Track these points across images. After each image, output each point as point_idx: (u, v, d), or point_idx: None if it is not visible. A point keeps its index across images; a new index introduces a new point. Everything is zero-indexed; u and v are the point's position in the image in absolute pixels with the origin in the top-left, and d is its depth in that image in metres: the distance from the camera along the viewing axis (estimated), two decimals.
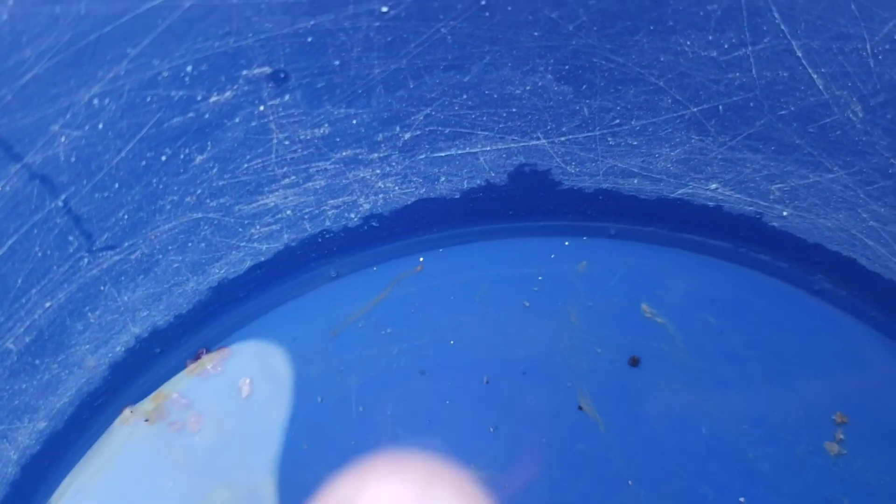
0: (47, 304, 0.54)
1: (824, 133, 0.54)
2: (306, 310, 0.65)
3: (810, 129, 0.54)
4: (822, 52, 0.51)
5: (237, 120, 0.54)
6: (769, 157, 0.57)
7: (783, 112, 0.54)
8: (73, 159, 0.50)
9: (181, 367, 0.64)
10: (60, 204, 0.51)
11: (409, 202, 0.63)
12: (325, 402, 0.62)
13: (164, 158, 0.53)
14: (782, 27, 0.50)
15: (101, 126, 0.49)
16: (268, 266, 0.63)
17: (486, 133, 0.59)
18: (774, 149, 0.57)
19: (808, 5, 0.49)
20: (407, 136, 0.58)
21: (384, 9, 0.51)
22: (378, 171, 0.60)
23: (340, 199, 0.61)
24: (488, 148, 0.60)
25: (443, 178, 0.62)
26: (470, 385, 0.62)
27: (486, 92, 0.56)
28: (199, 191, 0.56)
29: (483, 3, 0.51)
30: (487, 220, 0.66)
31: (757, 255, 0.64)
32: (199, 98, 0.51)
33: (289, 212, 0.60)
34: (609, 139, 0.59)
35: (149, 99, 0.50)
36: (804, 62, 0.52)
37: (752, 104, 0.54)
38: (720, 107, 0.55)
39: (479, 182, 0.62)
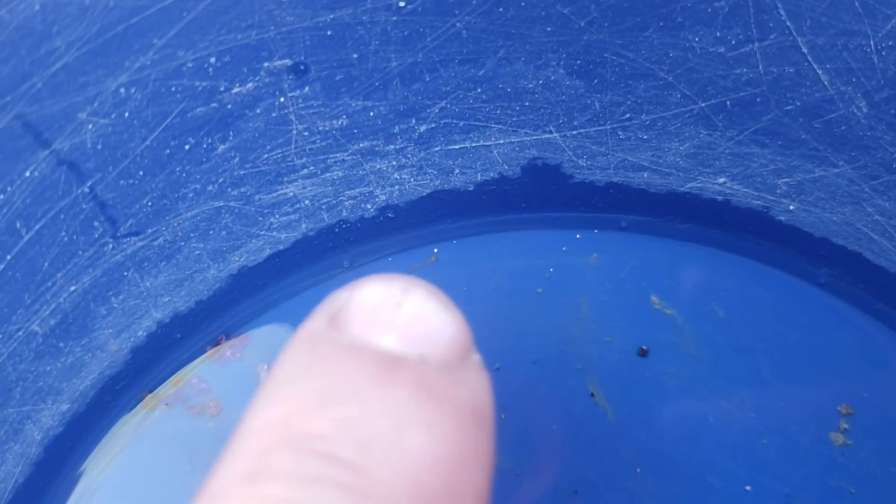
0: (72, 288, 0.55)
1: (830, 128, 0.55)
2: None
3: (816, 125, 0.55)
4: (827, 49, 0.52)
5: (258, 111, 0.55)
6: (776, 152, 0.58)
7: (789, 107, 0.55)
8: (99, 146, 0.51)
9: (201, 352, 0.64)
10: (87, 190, 0.52)
11: (424, 194, 0.64)
12: None
13: (187, 147, 0.54)
14: (788, 24, 0.51)
15: (127, 114, 0.50)
16: (286, 255, 0.64)
17: (500, 126, 0.60)
18: (781, 143, 0.57)
19: (812, 2, 0.50)
20: (422, 128, 0.59)
21: (401, 3, 0.52)
22: (394, 163, 0.61)
23: (357, 190, 0.62)
24: (501, 141, 0.61)
25: (457, 171, 0.62)
26: None
27: (500, 86, 0.57)
28: (220, 179, 0.57)
29: None
30: (500, 212, 0.66)
31: (764, 249, 0.64)
32: (221, 89, 0.52)
33: (307, 202, 0.61)
34: (620, 133, 0.59)
35: (173, 89, 0.51)
36: (809, 58, 0.52)
37: (758, 99, 0.55)
38: (728, 102, 0.56)
39: (492, 174, 0.63)
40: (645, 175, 0.63)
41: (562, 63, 0.55)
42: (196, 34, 0.49)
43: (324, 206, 0.63)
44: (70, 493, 0.61)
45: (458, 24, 0.53)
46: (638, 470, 0.58)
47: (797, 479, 0.58)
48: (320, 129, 0.57)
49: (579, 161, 0.62)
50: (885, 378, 0.61)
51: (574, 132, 0.60)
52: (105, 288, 0.57)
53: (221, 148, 0.55)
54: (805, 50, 0.52)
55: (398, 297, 0.36)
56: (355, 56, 0.53)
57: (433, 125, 0.59)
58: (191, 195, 0.57)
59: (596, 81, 0.57)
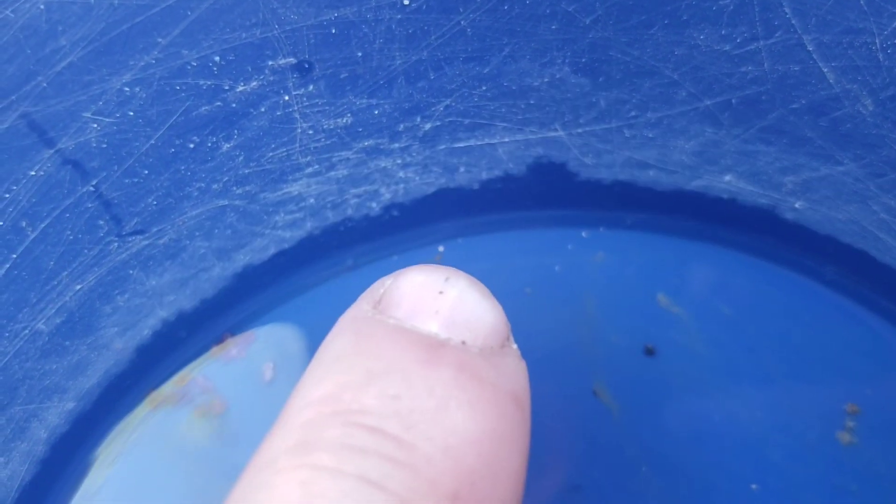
0: (77, 287, 0.55)
1: (835, 126, 0.54)
2: (329, 297, 0.65)
3: (822, 123, 0.54)
4: (833, 47, 0.51)
5: (263, 109, 0.54)
6: (782, 150, 0.57)
7: (795, 105, 0.54)
8: (104, 145, 0.51)
9: (206, 350, 0.64)
10: (91, 189, 0.52)
11: (429, 192, 0.63)
12: None
13: (191, 146, 0.54)
14: (793, 22, 0.51)
15: (131, 113, 0.50)
16: (291, 253, 0.63)
17: (505, 124, 0.59)
18: (787, 141, 0.57)
19: (818, 0, 0.50)
20: (427, 126, 0.59)
21: (406, 1, 0.52)
22: (399, 161, 0.60)
23: (362, 189, 0.61)
24: (507, 139, 0.61)
25: (462, 169, 0.62)
26: None
27: (505, 83, 0.57)
28: (225, 178, 0.57)
29: None
30: (506, 210, 0.65)
31: (770, 247, 0.64)
32: (226, 87, 0.52)
33: (312, 200, 0.61)
34: (625, 131, 0.59)
35: (178, 87, 0.51)
36: (815, 56, 0.52)
37: (764, 97, 0.55)
38: (733, 100, 0.55)
39: (497, 173, 0.62)
40: (651, 173, 0.62)
41: (567, 61, 0.55)
42: (200, 33, 0.49)
43: (329, 205, 0.62)
44: (75, 490, 0.61)
45: (462, 22, 0.53)
46: (643, 469, 0.58)
47: (803, 478, 0.58)
48: (325, 127, 0.57)
49: (585, 159, 0.62)
50: (893, 377, 0.60)
51: (580, 130, 0.60)
52: (110, 287, 0.56)
53: (226, 146, 0.55)
54: (811, 48, 0.51)
55: (441, 285, 0.36)
56: (360, 54, 0.53)
57: (438, 123, 0.59)
58: (195, 194, 0.56)
59: (601, 79, 0.56)
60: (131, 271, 0.57)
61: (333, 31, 0.51)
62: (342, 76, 0.54)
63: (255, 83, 0.53)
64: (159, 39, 0.48)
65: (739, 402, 0.60)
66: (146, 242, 0.57)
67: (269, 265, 0.64)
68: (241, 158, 0.56)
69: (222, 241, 0.60)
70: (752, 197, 0.62)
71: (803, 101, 0.54)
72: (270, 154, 0.57)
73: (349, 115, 0.56)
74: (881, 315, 0.62)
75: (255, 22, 0.50)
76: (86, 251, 0.54)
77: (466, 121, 0.59)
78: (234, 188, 0.57)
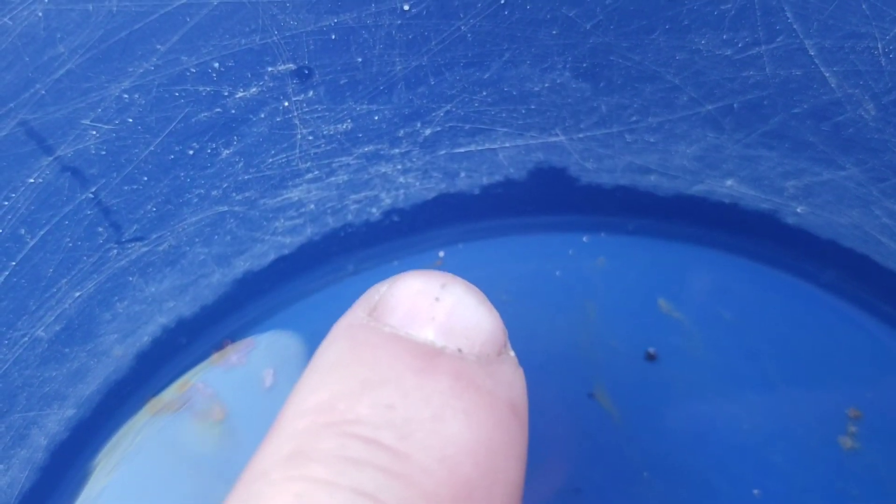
0: (77, 294, 0.54)
1: (837, 131, 0.54)
2: (329, 303, 0.64)
3: (823, 127, 0.54)
4: (835, 51, 0.51)
5: (262, 115, 0.54)
6: (784, 154, 0.57)
7: (797, 110, 0.54)
8: (103, 152, 0.50)
9: (206, 357, 0.63)
10: (91, 196, 0.51)
11: (429, 197, 0.63)
12: None
13: (191, 152, 0.54)
14: (795, 26, 0.51)
15: (130, 120, 0.50)
16: (291, 259, 0.63)
17: (506, 129, 0.59)
18: (789, 146, 0.57)
19: (819, 5, 0.50)
20: (427, 131, 0.58)
21: (406, 7, 0.52)
22: (399, 167, 0.60)
23: (362, 194, 0.61)
24: (507, 144, 0.60)
25: (463, 174, 0.62)
26: None
27: (506, 89, 0.56)
28: (224, 184, 0.56)
29: (502, 1, 0.51)
30: (506, 215, 0.65)
31: (772, 252, 0.64)
32: (225, 94, 0.52)
33: (312, 206, 0.60)
34: (627, 136, 0.59)
35: (177, 94, 0.51)
36: (817, 61, 0.52)
37: (766, 102, 0.55)
38: (735, 104, 0.55)
39: (498, 178, 0.62)
40: (652, 178, 0.62)
41: (568, 66, 0.55)
42: (199, 39, 0.49)
43: (329, 211, 0.62)
44: (75, 498, 0.60)
45: (462, 28, 0.53)
46: (645, 474, 0.58)
47: (805, 482, 0.58)
48: (325, 133, 0.56)
49: (586, 164, 0.62)
50: (894, 381, 0.60)
51: (580, 135, 0.60)
52: (109, 293, 0.56)
53: (225, 153, 0.55)
54: (812, 52, 0.51)
55: (437, 291, 0.36)
56: (359, 60, 0.53)
57: (438, 128, 0.58)
58: (195, 200, 0.56)
59: (602, 84, 0.56)
60: (131, 278, 0.57)
61: (333, 36, 0.51)
62: (342, 82, 0.54)
63: (254, 89, 0.52)
64: (158, 46, 0.48)
65: (741, 407, 0.60)
66: (145, 249, 0.56)
67: (269, 271, 0.64)
68: (240, 164, 0.56)
69: (222, 248, 0.60)
70: (754, 202, 0.62)
71: (805, 106, 0.54)
72: (270, 160, 0.57)
73: (349, 120, 0.56)
74: (882, 320, 0.62)
75: (254, 28, 0.49)
76: (85, 258, 0.54)
77: (467, 126, 0.59)
78: (234, 194, 0.57)
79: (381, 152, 0.60)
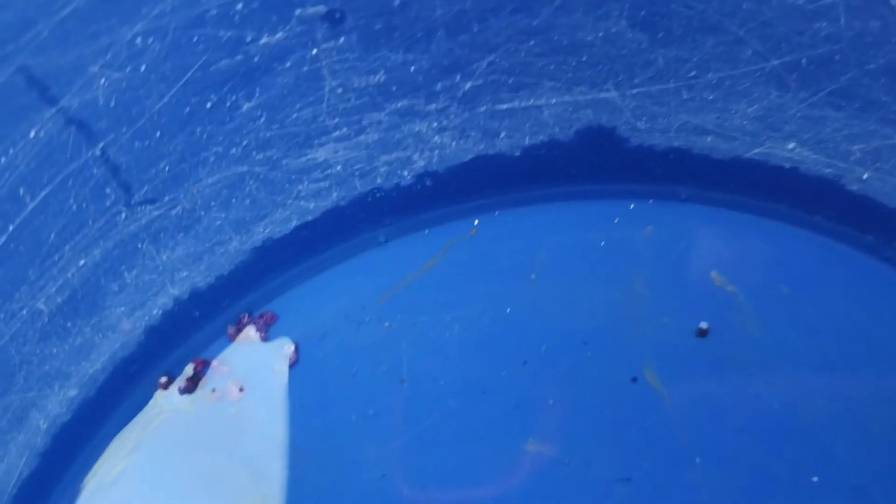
0: (81, 262, 0.53)
1: None
2: (354, 274, 0.63)
3: None
4: None
5: (288, 64, 0.52)
6: (852, 115, 0.55)
7: (871, 66, 0.51)
8: (112, 104, 0.48)
9: (222, 332, 0.62)
10: (98, 153, 0.50)
11: (465, 159, 0.60)
12: (374, 371, 0.60)
13: (209, 105, 0.52)
14: None
15: (143, 68, 0.48)
16: (315, 226, 0.61)
17: (553, 83, 0.56)
18: (858, 106, 0.54)
19: None
20: (468, 85, 0.56)
21: None
22: (435, 125, 0.58)
23: (394, 155, 0.59)
24: (554, 100, 0.57)
25: (503, 134, 0.59)
26: (528, 355, 0.59)
27: (556, 38, 0.54)
28: (245, 142, 0.54)
29: None
30: (548, 180, 0.63)
31: (833, 221, 0.61)
32: (248, 39, 0.50)
33: (339, 167, 0.58)
34: (684, 92, 0.56)
35: (195, 39, 0.48)
36: None
37: (837, 57, 0.52)
38: (803, 60, 0.52)
39: (541, 138, 0.60)
40: (708, 139, 0.59)
41: (624, 14, 0.52)
42: None
43: (357, 173, 0.59)
44: (81, 486, 0.59)
45: None
46: (697, 460, 0.56)
47: (867, 469, 0.56)
48: (355, 85, 0.54)
49: (638, 123, 0.58)
50: None
51: (634, 91, 0.57)
52: (117, 262, 0.55)
53: (247, 106, 0.53)
54: (894, 2, 0.48)
55: None
56: (397, 3, 0.50)
57: (480, 82, 0.56)
58: (212, 159, 0.54)
59: (661, 35, 0.53)
60: (141, 245, 0.56)
61: None
62: (377, 27, 0.51)
63: (280, 35, 0.50)
64: None
65: (799, 389, 0.57)
66: (157, 213, 0.55)
67: (291, 238, 0.61)
68: (262, 120, 0.54)
69: (241, 212, 0.58)
70: (816, 166, 0.59)
71: (881, 62, 0.51)
72: (295, 115, 0.55)
73: (383, 72, 0.54)
74: None
75: None
76: (91, 222, 0.52)
77: (510, 79, 0.56)
78: (255, 153, 0.55)
79: (416, 108, 0.57)
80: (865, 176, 0.58)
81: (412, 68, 0.54)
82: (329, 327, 0.62)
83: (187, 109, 0.51)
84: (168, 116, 0.51)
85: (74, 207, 0.51)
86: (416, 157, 0.60)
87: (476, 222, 0.64)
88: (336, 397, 0.59)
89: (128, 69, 0.47)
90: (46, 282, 0.52)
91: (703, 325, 0.59)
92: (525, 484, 0.56)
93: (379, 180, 0.61)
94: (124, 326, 0.58)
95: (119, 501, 0.58)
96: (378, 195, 0.62)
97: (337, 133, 0.57)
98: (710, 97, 0.56)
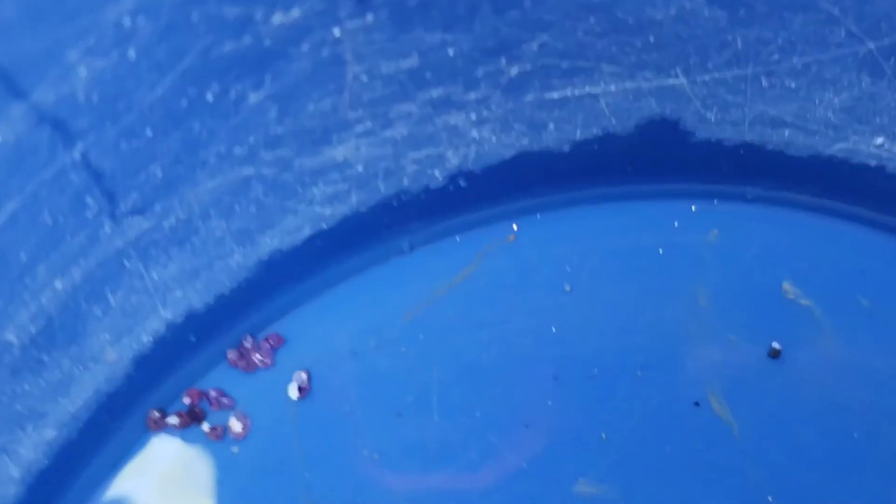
0: (58, 285, 0.50)
1: None
2: (376, 289, 0.60)
3: None
4: None
5: (304, 48, 0.49)
6: None
7: None
8: (94, 98, 0.45)
9: (221, 358, 0.59)
10: (77, 156, 0.47)
11: (506, 156, 0.57)
12: (399, 401, 0.57)
13: (210, 97, 0.49)
14: None
15: (131, 54, 0.44)
16: (331, 235, 0.58)
17: (613, 68, 0.54)
18: None
19: None
20: (514, 71, 0.53)
21: None
22: (473, 117, 0.55)
23: (424, 152, 0.56)
24: (613, 87, 0.55)
25: (552, 126, 0.56)
26: (576, 381, 0.57)
27: (620, 15, 0.51)
28: (251, 139, 0.52)
29: None
30: (600, 178, 0.60)
31: None
32: (258, 18, 0.46)
33: (360, 167, 0.56)
34: (763, 79, 0.54)
35: (194, 18, 0.45)
36: None
37: None
38: None
39: (595, 131, 0.57)
40: (786, 133, 0.56)
41: None
42: None
43: (381, 173, 0.57)
44: None
45: None
46: (769, 499, 0.54)
47: None
48: (383, 71, 0.51)
49: (707, 114, 0.56)
50: None
51: (706, 77, 0.54)
52: (100, 283, 0.52)
53: (254, 97, 0.50)
54: None
55: None
56: None
57: (528, 67, 0.53)
58: (212, 160, 0.51)
59: (742, 12, 0.50)
60: (127, 262, 0.53)
61: None
62: (411, 3, 0.48)
63: (296, 12, 0.47)
64: None
65: (884, 416, 0.55)
66: (147, 224, 0.52)
67: (302, 250, 0.58)
68: (273, 113, 0.51)
69: (245, 221, 0.55)
70: None
71: None
72: (312, 107, 0.52)
73: (416, 55, 0.51)
74: None
75: None
76: (69, 238, 0.49)
77: (564, 64, 0.53)
78: (263, 152, 0.53)
79: (453, 98, 0.54)
80: None
81: (450, 51, 0.51)
82: (346, 350, 0.59)
83: (184, 102, 0.48)
84: (161, 111, 0.48)
85: (50, 221, 0.48)
86: (449, 153, 0.57)
87: (515, 227, 0.61)
88: (355, 433, 0.57)
89: (113, 55, 0.44)
90: (17, 308, 0.49)
91: (776, 344, 0.57)
92: None
93: (406, 181, 0.58)
94: (109, 357, 0.55)
95: None
96: (404, 198, 0.59)
97: (359, 128, 0.54)
98: (793, 85, 0.54)
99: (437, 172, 0.58)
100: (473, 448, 0.55)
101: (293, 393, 0.57)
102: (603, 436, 0.55)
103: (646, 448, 0.55)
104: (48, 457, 0.54)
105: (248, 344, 0.58)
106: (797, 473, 0.55)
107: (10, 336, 0.50)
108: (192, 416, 0.56)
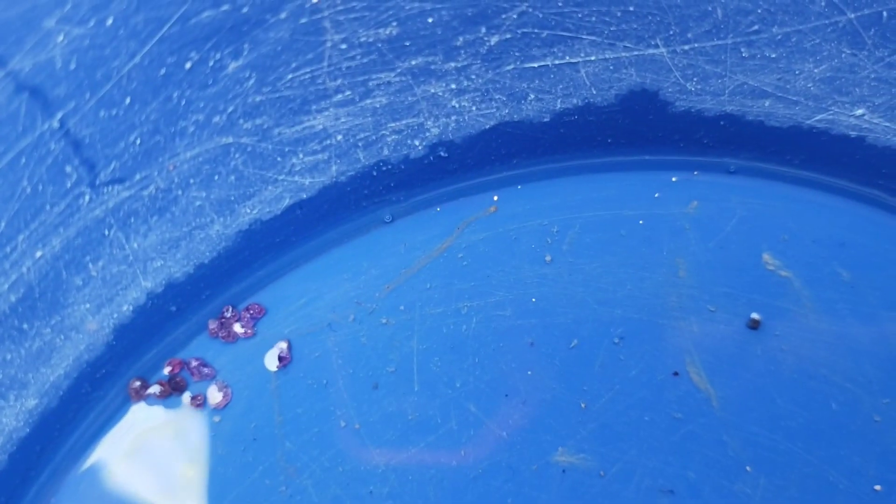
0: (38, 254, 0.51)
1: None
2: (356, 259, 0.60)
3: None
4: None
5: (283, 15, 0.49)
6: None
7: None
8: (72, 66, 0.46)
9: (202, 328, 0.58)
10: (56, 125, 0.47)
11: (486, 126, 0.57)
12: (380, 372, 0.56)
13: (188, 65, 0.49)
14: None
15: (109, 21, 0.45)
16: (311, 205, 0.58)
17: (593, 38, 0.53)
18: None
19: None
20: (494, 39, 0.53)
21: None
22: (453, 86, 0.55)
23: (404, 122, 0.56)
24: (593, 57, 0.54)
25: (532, 96, 0.56)
26: (556, 352, 0.56)
27: None
28: (230, 108, 0.52)
29: None
30: (580, 149, 0.60)
31: None
32: None
33: (339, 137, 0.55)
34: (742, 49, 0.53)
35: None
36: None
37: None
38: (884, 13, 0.50)
39: (575, 101, 0.56)
40: (766, 103, 0.56)
41: None
42: None
43: (360, 143, 0.56)
44: None
45: None
46: (748, 468, 0.54)
47: None
48: (362, 40, 0.51)
49: (687, 84, 0.55)
50: None
51: (686, 47, 0.54)
52: (80, 252, 0.52)
53: (233, 66, 0.50)
54: None
55: None
56: None
57: (508, 36, 0.53)
58: (191, 129, 0.51)
59: None
60: (107, 231, 0.53)
61: None
62: None
63: None
64: None
65: (862, 387, 0.55)
66: (127, 194, 0.52)
67: (282, 220, 0.58)
68: (251, 82, 0.51)
69: (224, 191, 0.55)
70: (886, 135, 0.56)
71: None
72: (290, 76, 0.52)
73: (395, 23, 0.51)
74: None
75: None
76: (49, 207, 0.50)
77: (544, 33, 0.53)
78: (242, 121, 0.52)
79: (433, 67, 0.54)
80: None
81: (430, 19, 0.51)
82: (326, 321, 0.58)
83: (162, 71, 0.49)
84: (139, 80, 0.48)
85: (29, 190, 0.48)
86: (429, 123, 0.57)
87: (496, 198, 0.61)
88: (335, 402, 0.56)
89: (91, 23, 0.45)
90: None
91: (755, 315, 0.56)
92: (556, 500, 0.54)
93: (386, 151, 0.58)
94: (90, 326, 0.55)
95: None
96: (384, 168, 0.59)
97: (339, 97, 0.54)
98: (773, 55, 0.54)
99: (417, 142, 0.57)
100: (454, 418, 0.55)
101: (273, 363, 0.56)
102: (582, 405, 0.55)
103: (625, 417, 0.55)
104: (29, 425, 0.54)
105: (228, 314, 0.57)
106: (775, 443, 0.54)
107: None
108: (174, 386, 0.55)
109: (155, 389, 0.55)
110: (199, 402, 0.56)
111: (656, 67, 0.55)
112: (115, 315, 0.56)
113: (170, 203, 0.54)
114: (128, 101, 0.48)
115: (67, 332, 0.54)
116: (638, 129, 0.59)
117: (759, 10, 0.51)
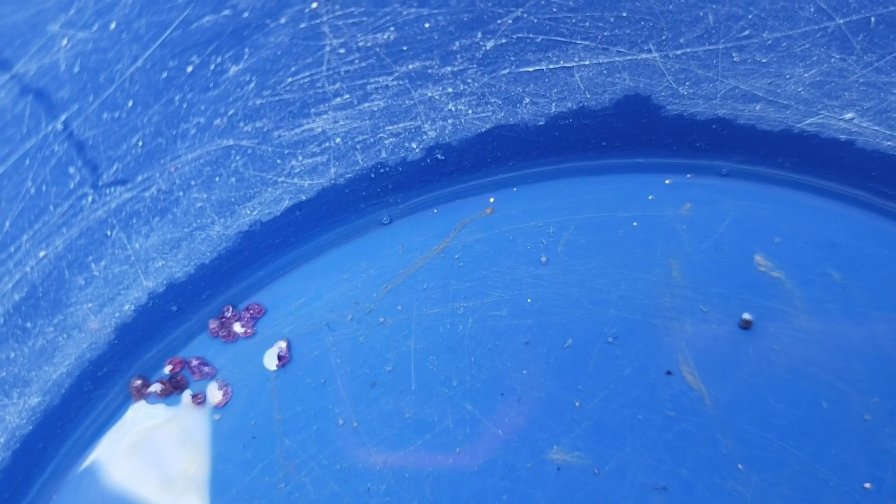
0: (41, 254, 0.50)
1: None
2: (354, 260, 0.59)
3: None
4: None
5: (283, 20, 0.49)
6: None
7: None
8: (76, 69, 0.46)
9: (203, 328, 0.58)
10: (59, 127, 0.47)
11: (482, 129, 0.57)
12: (377, 371, 0.57)
13: (189, 69, 0.49)
14: None
15: (113, 25, 0.45)
16: (310, 206, 0.58)
17: (587, 43, 0.53)
18: None
19: None
20: (489, 44, 0.53)
21: None
22: (450, 90, 0.55)
23: (401, 125, 0.56)
24: (587, 62, 0.54)
25: (527, 100, 0.56)
26: (551, 351, 0.56)
27: None
28: (231, 111, 0.51)
29: None
30: (575, 152, 0.60)
31: (891, 200, 0.59)
32: None
33: (338, 139, 0.55)
34: (734, 54, 0.53)
35: None
36: None
37: None
38: (873, 18, 0.50)
39: (570, 105, 0.56)
40: (757, 107, 0.56)
41: None
42: None
43: (358, 146, 0.56)
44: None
45: None
46: (740, 466, 0.54)
47: None
48: (360, 44, 0.51)
49: (680, 88, 0.55)
50: None
51: (678, 52, 0.54)
52: (83, 252, 0.52)
53: (234, 69, 0.50)
54: None
55: None
56: None
57: (503, 41, 0.53)
58: (193, 132, 0.51)
59: None
60: (110, 232, 0.52)
61: None
62: None
63: None
64: None
65: (852, 385, 0.55)
66: (129, 195, 0.52)
67: (282, 221, 0.58)
68: (252, 85, 0.51)
69: (225, 192, 0.55)
70: (875, 139, 0.56)
71: None
72: (290, 80, 0.51)
73: (392, 28, 0.51)
74: None
75: None
76: (52, 208, 0.49)
77: (539, 38, 0.53)
78: (242, 124, 0.52)
79: (430, 71, 0.53)
80: None
81: (427, 24, 0.51)
82: (325, 321, 0.58)
83: (164, 74, 0.48)
84: (142, 83, 0.48)
85: (33, 191, 0.48)
86: (426, 127, 0.57)
87: (492, 200, 0.61)
88: (334, 401, 0.56)
89: (94, 27, 0.45)
90: (1, 277, 0.49)
91: (747, 315, 0.57)
92: (551, 497, 0.54)
93: (384, 154, 0.57)
94: (92, 325, 0.55)
95: None
96: (382, 171, 0.58)
97: (338, 100, 0.54)
98: (763, 60, 0.54)
99: (414, 145, 0.57)
100: (450, 416, 0.55)
101: (273, 362, 0.56)
102: (577, 404, 0.55)
103: (619, 416, 0.55)
104: (32, 423, 0.54)
105: (228, 314, 0.57)
106: (767, 441, 0.54)
107: None
108: (174, 385, 0.55)
109: (156, 388, 0.55)
110: (200, 400, 0.56)
111: (649, 72, 0.55)
112: (117, 314, 0.56)
113: (171, 204, 0.54)
114: (130, 103, 0.48)
115: (70, 330, 0.54)
116: (632, 133, 0.58)
117: (750, 16, 0.51)
